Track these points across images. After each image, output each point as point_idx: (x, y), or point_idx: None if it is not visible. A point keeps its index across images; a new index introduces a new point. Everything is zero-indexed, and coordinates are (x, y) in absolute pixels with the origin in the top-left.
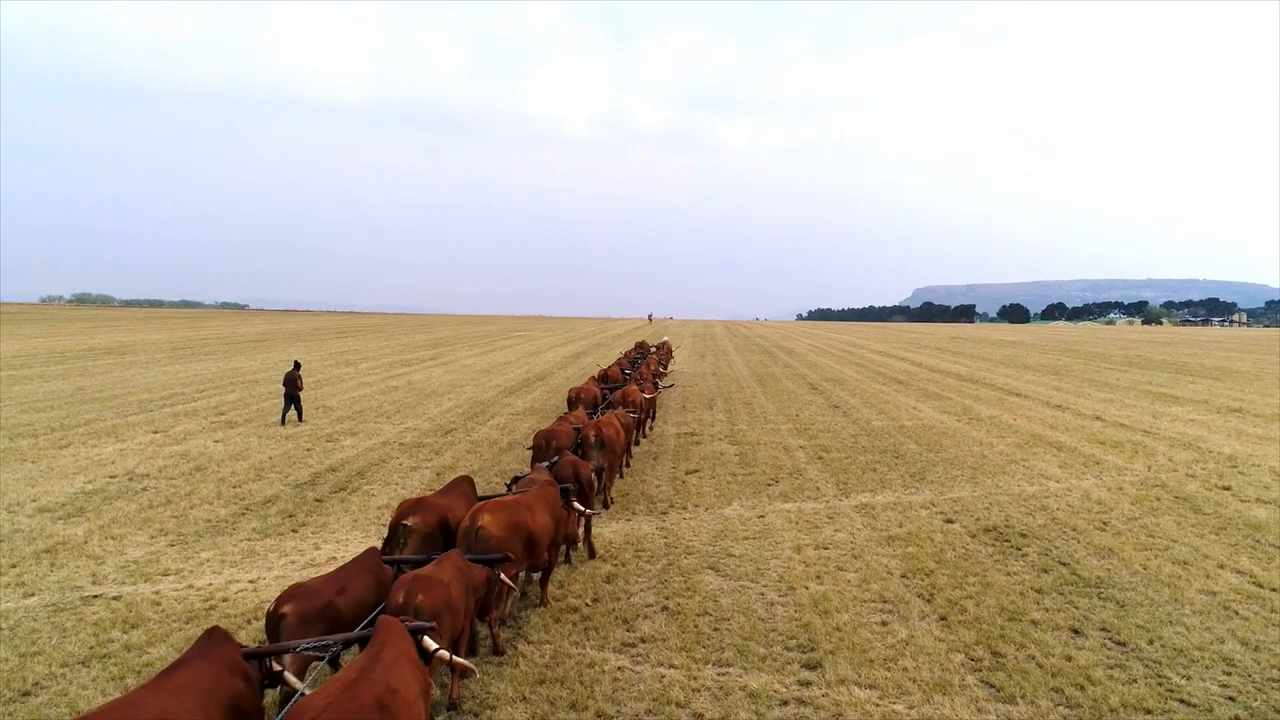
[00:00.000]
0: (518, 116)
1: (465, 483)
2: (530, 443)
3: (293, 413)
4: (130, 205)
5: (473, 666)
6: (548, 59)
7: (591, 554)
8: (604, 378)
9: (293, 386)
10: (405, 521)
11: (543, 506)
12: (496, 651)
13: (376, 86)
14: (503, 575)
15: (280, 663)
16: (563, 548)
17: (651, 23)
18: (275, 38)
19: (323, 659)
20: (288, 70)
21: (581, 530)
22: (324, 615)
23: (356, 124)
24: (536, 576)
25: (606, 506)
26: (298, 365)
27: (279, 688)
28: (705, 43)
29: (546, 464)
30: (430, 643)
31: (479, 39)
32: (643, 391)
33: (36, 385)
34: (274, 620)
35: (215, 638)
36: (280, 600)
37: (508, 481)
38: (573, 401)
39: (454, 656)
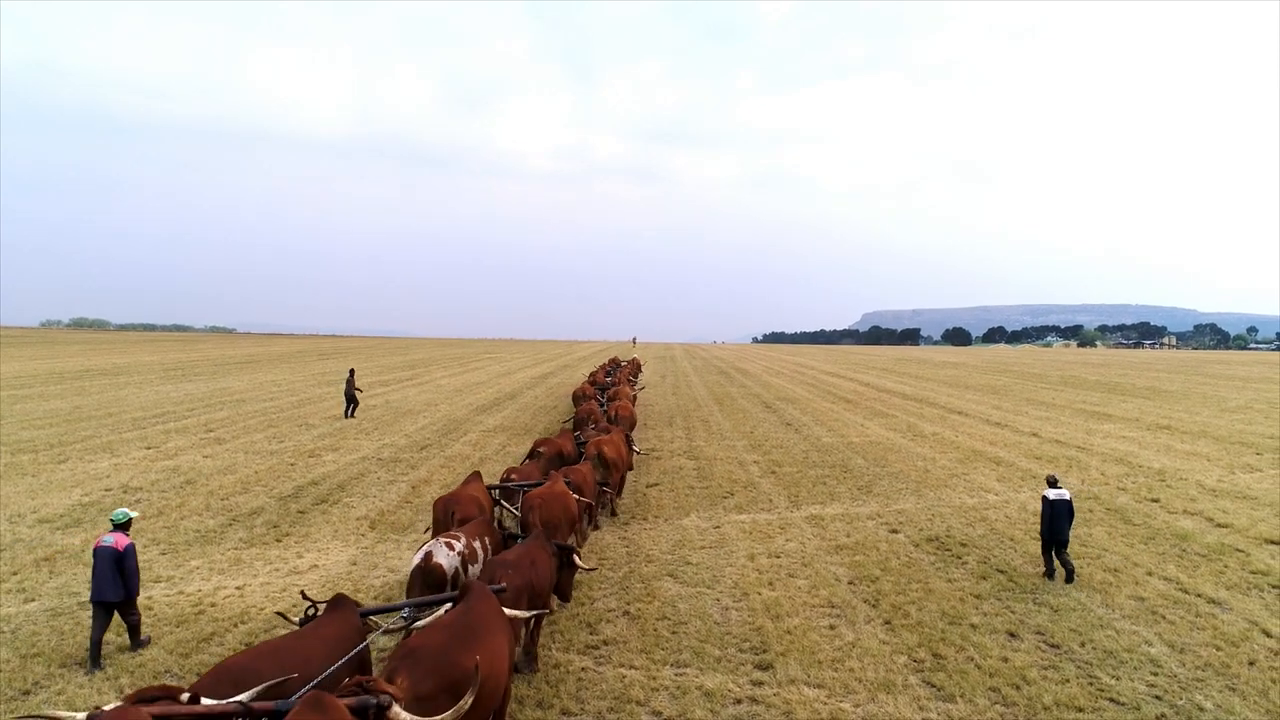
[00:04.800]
0: (486, 149)
1: (568, 433)
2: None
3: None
4: (125, 234)
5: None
6: (513, 94)
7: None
8: (594, 381)
9: (351, 389)
10: (539, 449)
11: (624, 443)
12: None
13: (351, 121)
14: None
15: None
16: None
17: (611, 59)
18: (255, 76)
19: (526, 490)
20: (267, 107)
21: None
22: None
23: (332, 157)
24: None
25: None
26: (353, 373)
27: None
28: (662, 78)
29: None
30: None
31: (447, 76)
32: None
33: (36, 404)
34: (503, 481)
35: (474, 477)
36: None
37: (579, 440)
38: (578, 397)
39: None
